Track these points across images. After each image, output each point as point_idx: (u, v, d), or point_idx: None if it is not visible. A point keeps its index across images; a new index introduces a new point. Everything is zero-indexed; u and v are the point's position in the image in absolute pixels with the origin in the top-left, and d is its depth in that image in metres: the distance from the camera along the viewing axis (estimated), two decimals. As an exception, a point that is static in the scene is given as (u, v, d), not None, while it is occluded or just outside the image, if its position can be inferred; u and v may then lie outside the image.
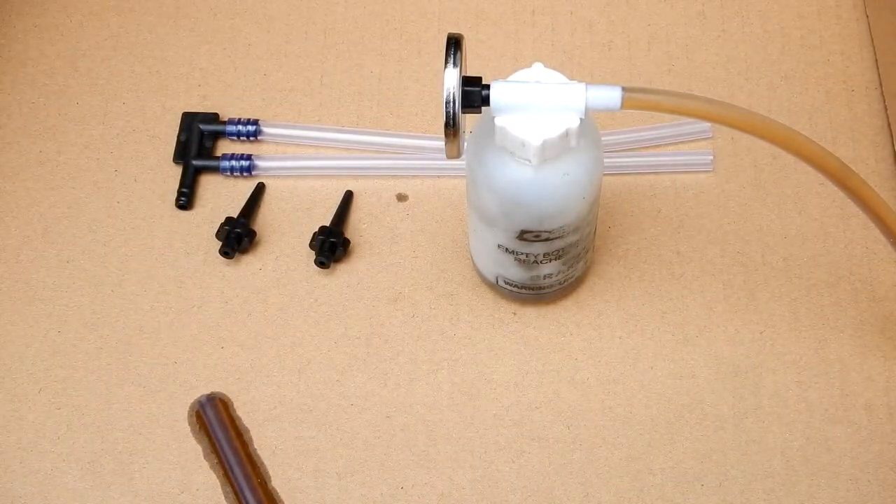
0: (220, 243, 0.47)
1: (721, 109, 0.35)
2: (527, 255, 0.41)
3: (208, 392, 0.45)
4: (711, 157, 0.49)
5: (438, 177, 0.49)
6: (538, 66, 0.36)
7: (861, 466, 0.43)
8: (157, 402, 0.45)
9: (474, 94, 0.34)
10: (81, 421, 0.45)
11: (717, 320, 0.46)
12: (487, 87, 0.35)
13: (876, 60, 0.52)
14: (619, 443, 0.43)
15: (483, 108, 0.35)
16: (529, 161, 0.36)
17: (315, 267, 0.47)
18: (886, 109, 0.50)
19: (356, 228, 0.48)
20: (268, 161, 0.50)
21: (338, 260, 0.47)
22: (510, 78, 0.36)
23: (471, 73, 0.37)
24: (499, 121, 0.35)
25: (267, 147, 0.51)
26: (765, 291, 0.46)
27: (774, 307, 0.46)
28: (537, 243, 0.40)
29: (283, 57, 0.53)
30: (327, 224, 0.48)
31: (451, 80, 0.34)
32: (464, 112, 0.35)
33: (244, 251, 0.48)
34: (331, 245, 0.47)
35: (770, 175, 0.49)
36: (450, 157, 0.35)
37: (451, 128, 0.34)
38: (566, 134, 0.36)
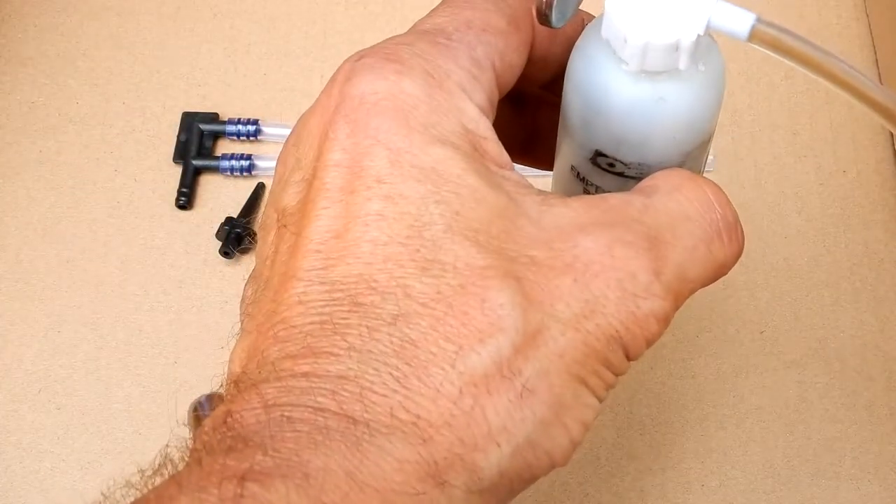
0: (220, 243, 0.47)
1: (848, 75, 0.31)
2: (597, 188, 0.35)
3: (208, 392, 0.45)
4: (712, 157, 0.49)
5: (438, 177, 0.49)
6: None
7: (861, 466, 0.43)
8: (157, 402, 0.45)
9: None
10: (81, 421, 0.45)
11: (718, 320, 0.46)
12: None
13: (876, 60, 0.52)
14: (620, 443, 0.43)
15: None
16: (627, 64, 0.32)
17: (315, 267, 0.47)
18: (887, 109, 0.50)
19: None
20: (268, 161, 0.50)
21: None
22: None
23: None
24: (609, 4, 0.30)
25: (267, 147, 0.51)
26: (765, 291, 0.46)
27: (774, 307, 0.46)
28: (610, 176, 0.35)
29: (283, 57, 0.53)
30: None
31: None
32: None
33: (244, 251, 0.48)
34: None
35: (770, 175, 0.49)
36: (540, 23, 0.30)
37: None
38: (676, 47, 0.31)
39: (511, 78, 0.30)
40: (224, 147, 0.51)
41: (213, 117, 0.51)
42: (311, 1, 0.55)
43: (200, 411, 0.44)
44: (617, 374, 0.27)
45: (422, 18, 0.30)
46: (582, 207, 0.27)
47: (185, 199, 0.49)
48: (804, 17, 0.53)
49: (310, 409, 0.23)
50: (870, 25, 0.53)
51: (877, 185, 0.48)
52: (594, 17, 0.32)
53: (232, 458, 0.22)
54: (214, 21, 0.54)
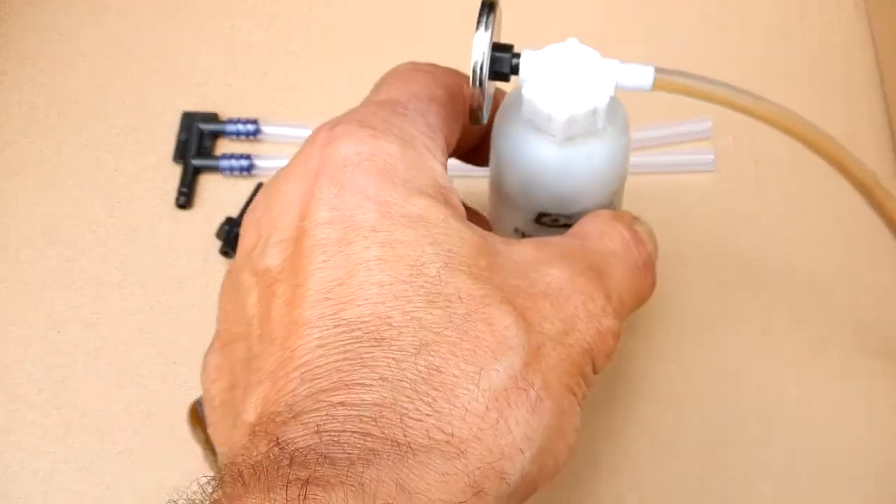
0: (220, 243, 0.47)
1: (751, 102, 0.34)
2: None
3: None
4: (712, 157, 0.49)
5: (439, 177, 0.49)
6: (573, 41, 0.35)
7: (862, 466, 0.42)
8: (157, 402, 0.45)
9: (503, 61, 0.34)
10: (81, 421, 0.45)
11: (718, 320, 0.46)
12: (518, 55, 0.34)
13: (877, 60, 0.52)
14: (619, 443, 0.43)
15: (512, 80, 0.35)
16: (554, 136, 0.36)
17: (315, 267, 0.47)
18: (887, 109, 0.50)
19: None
20: (268, 161, 0.50)
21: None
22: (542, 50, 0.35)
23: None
24: (526, 92, 0.35)
25: (267, 147, 0.51)
26: (765, 291, 0.46)
27: (775, 307, 0.46)
28: (554, 228, 0.39)
29: (283, 57, 0.53)
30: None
31: (480, 44, 0.33)
32: (492, 79, 0.34)
33: (244, 251, 0.48)
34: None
35: (771, 175, 0.49)
36: (472, 123, 0.34)
37: (477, 94, 0.33)
38: (594, 112, 0.35)
39: (453, 142, 0.35)
40: (224, 147, 0.51)
41: (212, 117, 0.51)
42: (311, 1, 0.55)
43: (200, 412, 0.44)
44: (589, 386, 0.30)
45: (373, 91, 0.35)
46: (537, 245, 0.32)
47: (185, 198, 0.49)
48: (804, 17, 0.53)
49: (356, 434, 0.25)
50: (871, 25, 0.52)
51: (877, 185, 0.48)
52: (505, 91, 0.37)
53: (294, 468, 0.24)
54: (214, 21, 0.54)
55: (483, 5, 0.34)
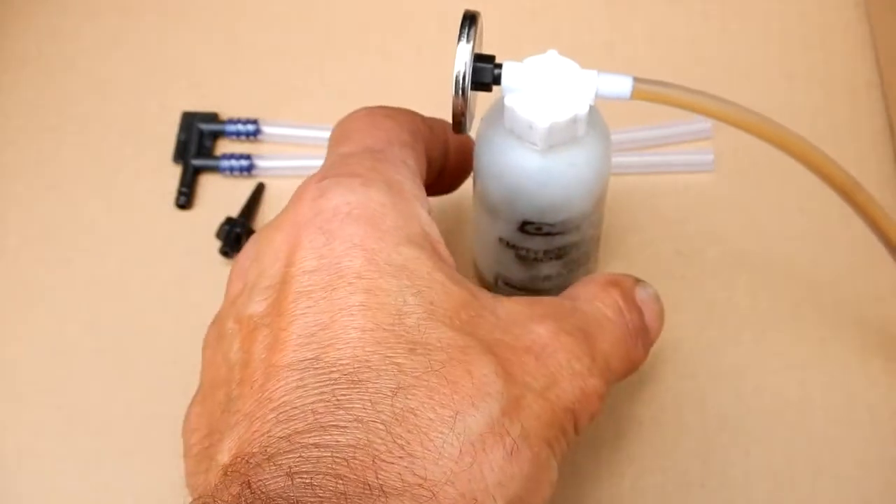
0: (220, 243, 0.47)
1: (729, 109, 0.35)
2: (527, 250, 0.41)
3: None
4: (712, 157, 0.49)
5: (439, 177, 0.49)
6: (552, 53, 0.36)
7: (862, 466, 0.42)
8: (157, 403, 0.45)
9: (485, 71, 0.35)
10: (81, 421, 0.45)
11: (718, 320, 0.46)
12: (500, 66, 0.35)
13: (877, 60, 0.52)
14: (619, 444, 0.43)
15: (494, 90, 0.36)
16: (536, 145, 0.37)
17: (315, 267, 0.47)
18: (887, 109, 0.50)
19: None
20: (268, 161, 0.50)
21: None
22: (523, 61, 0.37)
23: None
24: (508, 101, 0.36)
25: (267, 147, 0.51)
26: (765, 291, 0.46)
27: (775, 307, 0.46)
28: (538, 237, 0.40)
29: (283, 57, 0.53)
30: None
31: (462, 55, 0.34)
32: (474, 89, 0.35)
33: (244, 251, 0.48)
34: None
35: (771, 175, 0.49)
36: (456, 133, 0.36)
37: (460, 104, 0.34)
38: (574, 120, 0.36)
39: (427, 180, 0.36)
40: (224, 147, 0.51)
41: (212, 117, 0.51)
42: (311, 1, 0.55)
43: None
44: (569, 444, 0.31)
45: (339, 142, 0.35)
46: (525, 303, 0.32)
47: (185, 198, 0.49)
48: (805, 17, 0.53)
49: (329, 477, 0.25)
50: (871, 25, 0.52)
51: (877, 185, 0.48)
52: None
53: None
54: (214, 21, 0.54)
55: (464, 18, 0.34)
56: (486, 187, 0.39)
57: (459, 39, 0.34)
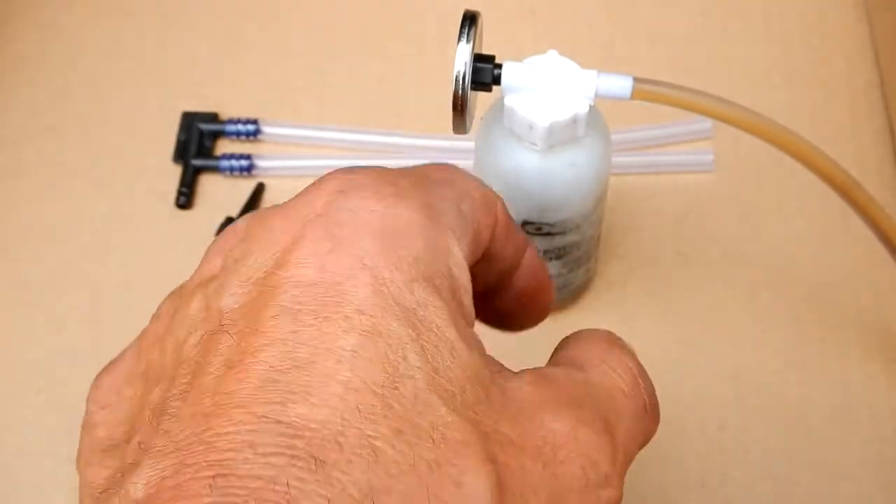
0: (220, 243, 0.47)
1: (729, 109, 0.35)
2: None
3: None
4: (712, 157, 0.49)
5: (439, 177, 0.49)
6: (553, 53, 0.37)
7: (862, 466, 0.42)
8: (157, 403, 0.45)
9: (485, 71, 0.35)
10: (81, 421, 0.44)
11: (718, 320, 0.46)
12: (500, 66, 0.35)
13: (877, 60, 0.52)
14: (620, 443, 0.43)
15: (494, 90, 0.36)
16: (536, 145, 0.37)
17: (315, 267, 0.47)
18: (887, 109, 0.50)
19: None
20: (268, 161, 0.50)
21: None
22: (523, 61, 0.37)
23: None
24: (508, 101, 0.36)
25: (267, 147, 0.51)
26: (765, 291, 0.46)
27: (775, 307, 0.46)
28: (538, 237, 0.40)
29: (284, 56, 0.53)
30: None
31: (462, 55, 0.34)
32: (474, 89, 0.35)
33: (244, 251, 0.48)
34: None
35: (771, 175, 0.49)
36: (456, 132, 0.35)
37: (460, 103, 0.34)
38: (574, 120, 0.36)
39: (479, 252, 0.28)
40: (224, 147, 0.51)
41: (212, 117, 0.51)
42: (310, 1, 0.55)
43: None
44: None
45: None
46: (537, 382, 0.26)
47: (185, 198, 0.49)
48: (804, 17, 0.53)
49: None
50: (871, 25, 0.52)
51: (877, 185, 0.48)
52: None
53: None
54: (214, 21, 0.54)
55: (464, 18, 0.34)
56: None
57: (459, 39, 0.34)
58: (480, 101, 0.37)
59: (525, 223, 0.40)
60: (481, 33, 0.35)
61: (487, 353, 0.25)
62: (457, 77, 0.34)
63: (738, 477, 0.42)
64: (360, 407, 0.22)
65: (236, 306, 0.24)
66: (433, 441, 0.22)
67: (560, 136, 0.36)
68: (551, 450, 0.24)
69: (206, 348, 0.24)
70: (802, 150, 0.36)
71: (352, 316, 0.23)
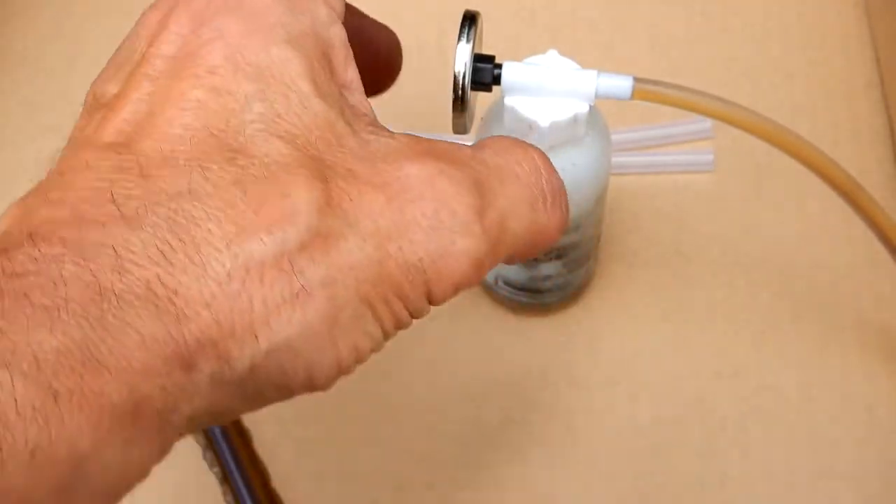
0: (219, 243, 0.47)
1: (729, 109, 0.35)
2: None
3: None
4: (712, 157, 0.49)
5: (438, 177, 0.49)
6: (553, 53, 0.37)
7: (862, 466, 0.42)
8: (157, 403, 0.45)
9: (485, 71, 0.35)
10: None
11: (718, 320, 0.46)
12: (500, 65, 0.35)
13: (877, 60, 0.52)
14: (621, 444, 0.43)
15: (494, 90, 0.36)
16: (535, 145, 0.37)
17: (315, 267, 0.47)
18: (887, 109, 0.50)
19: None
20: (268, 161, 0.50)
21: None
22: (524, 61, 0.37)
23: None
24: (508, 101, 0.36)
25: (267, 147, 0.51)
26: (766, 291, 0.46)
27: (775, 307, 0.46)
28: None
29: (284, 57, 0.53)
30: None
31: (462, 55, 0.34)
32: (474, 89, 0.35)
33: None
34: None
35: (771, 175, 0.49)
36: (456, 132, 0.35)
37: (460, 103, 0.34)
38: (574, 120, 0.36)
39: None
40: (224, 147, 0.51)
41: (212, 117, 0.51)
42: (311, 1, 0.55)
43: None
44: (411, 313, 0.25)
45: None
46: (412, 140, 0.26)
47: (185, 198, 0.49)
48: (804, 17, 0.53)
49: (52, 281, 0.21)
50: (871, 25, 0.52)
51: (877, 185, 0.48)
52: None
53: None
54: (214, 21, 0.54)
55: (464, 18, 0.34)
56: None
57: (459, 39, 0.34)
58: (480, 101, 0.37)
59: None
60: (481, 33, 0.35)
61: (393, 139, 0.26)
62: (457, 77, 0.34)
63: (737, 477, 0.42)
64: (197, 142, 0.24)
65: (115, 89, 0.26)
66: (263, 163, 0.24)
67: (560, 136, 0.36)
68: (401, 187, 0.25)
69: (86, 121, 0.27)
70: (802, 150, 0.36)
71: (202, 75, 0.25)
